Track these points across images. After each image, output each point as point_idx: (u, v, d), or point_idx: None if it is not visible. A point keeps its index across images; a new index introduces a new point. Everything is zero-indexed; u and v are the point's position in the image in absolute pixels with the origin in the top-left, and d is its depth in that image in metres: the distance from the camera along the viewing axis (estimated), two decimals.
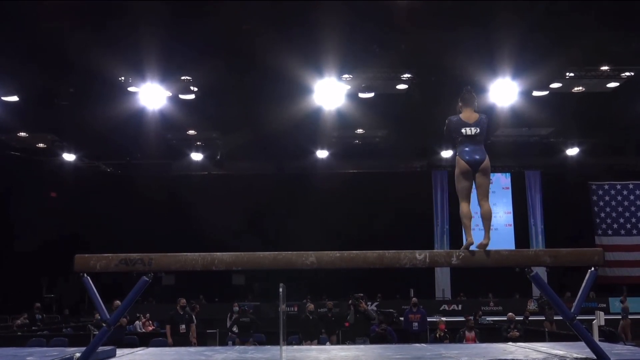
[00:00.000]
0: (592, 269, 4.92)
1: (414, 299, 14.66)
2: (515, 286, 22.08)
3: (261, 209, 23.60)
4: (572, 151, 22.57)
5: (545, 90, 16.69)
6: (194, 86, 16.14)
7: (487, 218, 5.36)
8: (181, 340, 11.38)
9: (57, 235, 21.03)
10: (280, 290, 5.30)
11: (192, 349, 7.49)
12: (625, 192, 24.33)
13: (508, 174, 25.29)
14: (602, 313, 11.55)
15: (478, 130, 5.32)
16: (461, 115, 5.43)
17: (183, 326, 11.71)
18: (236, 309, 15.14)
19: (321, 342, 12.15)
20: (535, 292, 21.39)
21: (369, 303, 17.11)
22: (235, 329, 13.17)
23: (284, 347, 5.35)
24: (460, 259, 5.00)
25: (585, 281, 4.95)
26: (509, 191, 25.13)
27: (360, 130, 21.14)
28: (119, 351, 5.91)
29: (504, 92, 16.04)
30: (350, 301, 12.54)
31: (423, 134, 20.47)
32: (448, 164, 24.68)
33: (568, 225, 23.18)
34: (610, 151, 22.36)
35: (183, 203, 22.58)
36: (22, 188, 20.30)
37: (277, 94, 16.16)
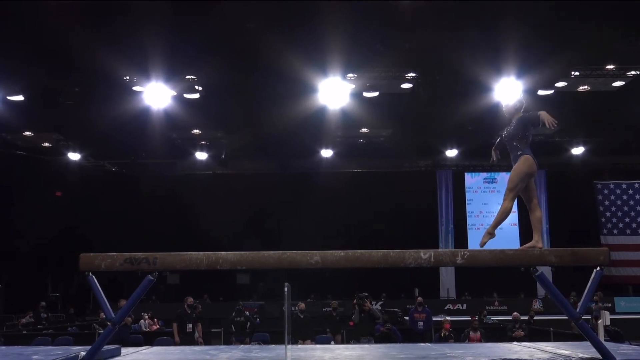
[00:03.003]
0: (598, 268, 4.90)
1: (420, 298, 14.63)
2: (520, 286, 22.04)
3: (265, 208, 23.63)
4: (577, 150, 22.52)
5: (551, 89, 16.64)
6: (198, 85, 16.16)
7: (541, 221, 5.45)
8: (187, 339, 11.40)
9: (62, 235, 21.09)
10: (285, 289, 5.30)
11: (196, 348, 7.51)
12: (630, 192, 24.24)
13: None
14: (607, 312, 11.52)
15: None
16: None
17: (190, 325, 11.71)
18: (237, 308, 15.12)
19: (317, 342, 12.11)
20: (540, 291, 21.35)
21: (374, 302, 17.10)
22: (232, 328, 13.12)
23: (289, 347, 5.35)
24: (465, 258, 4.99)
25: (590, 281, 4.93)
26: None
27: (364, 130, 21.13)
28: (123, 350, 5.93)
29: (508, 91, 16.00)
30: (354, 300, 12.53)
31: (427, 133, 20.45)
32: (452, 164, 24.68)
33: (573, 224, 23.12)
34: (616, 150, 22.30)
35: (187, 202, 22.62)
36: (27, 187, 20.36)
37: (281, 94, 16.18)
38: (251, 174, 24.05)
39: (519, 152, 5.42)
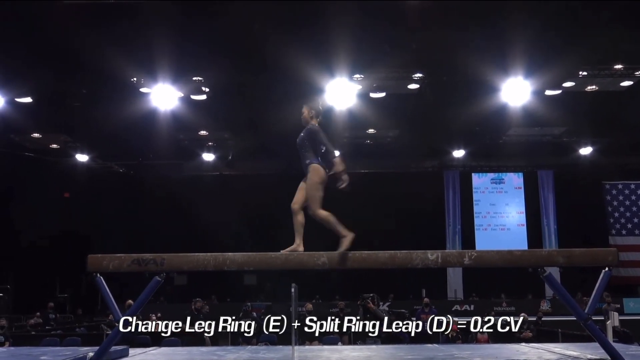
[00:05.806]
0: (606, 269, 4.88)
1: (426, 299, 14.63)
2: (528, 286, 21.89)
3: (272, 209, 23.52)
4: (586, 150, 22.41)
5: (558, 89, 16.58)
6: (205, 87, 16.21)
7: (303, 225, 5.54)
8: (196, 340, 11.42)
9: (70, 236, 21.16)
10: (292, 290, 5.31)
11: (203, 349, 7.52)
12: (639, 192, 24.09)
13: (520, 174, 25.16)
14: (616, 314, 11.45)
15: None
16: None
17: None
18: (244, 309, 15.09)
19: (324, 343, 12.08)
20: (548, 292, 21.23)
21: (381, 303, 17.07)
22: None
23: (296, 347, 5.36)
24: (472, 259, 4.98)
25: (599, 281, 4.91)
26: (522, 191, 24.98)
27: (371, 130, 21.10)
28: (131, 350, 5.95)
29: (516, 91, 15.96)
30: (359, 301, 12.52)
31: (435, 134, 20.40)
32: (460, 164, 24.62)
33: (581, 225, 22.96)
34: (624, 150, 22.15)
35: (194, 203, 22.62)
36: (35, 188, 20.45)
37: (288, 94, 16.16)
38: (258, 174, 24.02)
39: (307, 161, 5.44)
